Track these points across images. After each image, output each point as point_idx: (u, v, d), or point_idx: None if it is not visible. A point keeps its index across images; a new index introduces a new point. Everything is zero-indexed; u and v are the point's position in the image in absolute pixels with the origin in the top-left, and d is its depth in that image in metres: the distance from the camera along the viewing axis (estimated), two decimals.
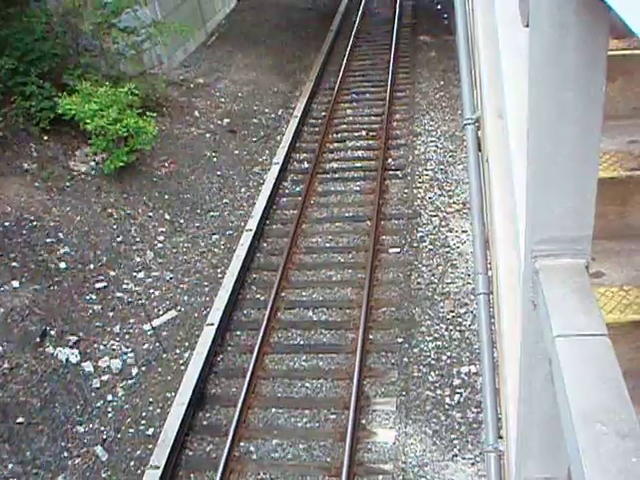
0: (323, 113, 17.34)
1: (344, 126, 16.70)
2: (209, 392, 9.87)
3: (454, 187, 13.69)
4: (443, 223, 12.72)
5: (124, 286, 11.76)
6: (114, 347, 10.60)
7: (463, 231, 12.31)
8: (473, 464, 8.42)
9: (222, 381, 10.03)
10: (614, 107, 2.95)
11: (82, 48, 15.29)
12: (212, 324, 10.61)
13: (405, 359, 9.96)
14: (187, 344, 10.67)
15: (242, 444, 9.00)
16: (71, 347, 10.30)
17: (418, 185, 13.97)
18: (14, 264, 11.06)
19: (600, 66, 1.23)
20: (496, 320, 3.39)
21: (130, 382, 10.11)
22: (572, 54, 1.21)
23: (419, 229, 12.66)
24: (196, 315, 11.26)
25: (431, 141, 15.51)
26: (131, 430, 9.39)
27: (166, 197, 14.09)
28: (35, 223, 11.96)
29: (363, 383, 9.60)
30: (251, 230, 12.79)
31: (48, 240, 11.85)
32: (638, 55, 2.86)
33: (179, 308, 11.46)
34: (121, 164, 13.41)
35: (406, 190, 13.87)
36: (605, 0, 1.00)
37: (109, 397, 9.83)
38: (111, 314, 11.17)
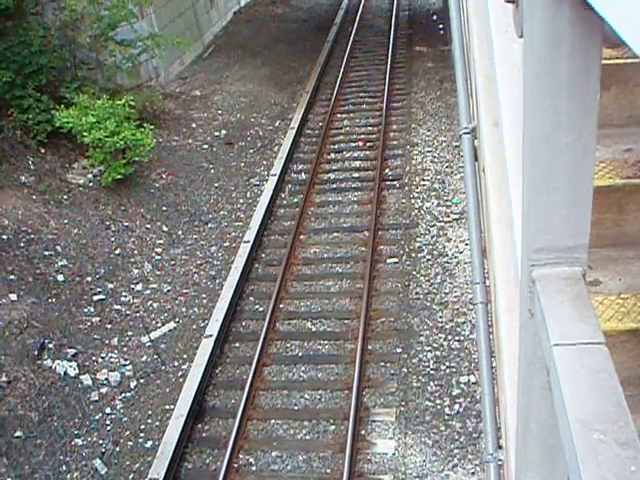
0: (320, 124, 17.38)
1: (341, 137, 16.75)
2: (208, 404, 9.84)
3: (451, 197, 13.71)
4: (441, 233, 12.72)
5: (122, 298, 11.75)
6: (112, 360, 10.57)
7: (461, 240, 12.31)
8: (473, 474, 8.39)
9: (221, 393, 10.00)
10: (609, 116, 2.96)
11: (79, 61, 15.36)
12: (211, 335, 10.59)
13: (404, 369, 9.94)
14: (186, 356, 10.65)
15: (241, 456, 8.97)
16: (69, 360, 10.28)
17: (415, 195, 13.99)
18: (12, 277, 11.05)
19: (594, 75, 1.24)
20: (494, 329, 3.39)
21: (129, 395, 10.08)
22: (566, 63, 1.22)
23: (417, 239, 12.67)
24: (194, 327, 11.24)
25: (428, 151, 15.54)
26: (130, 443, 9.35)
27: (164, 209, 14.10)
28: (33, 236, 11.96)
29: (362, 394, 9.58)
30: (249, 241, 12.79)
31: (46, 253, 11.85)
32: (632, 64, 2.87)
33: (177, 320, 11.44)
34: (119, 176, 13.44)
35: (403, 200, 13.89)
36: (597, 11, 1.00)
37: (107, 410, 9.79)
38: (109, 327, 11.15)
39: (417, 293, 11.36)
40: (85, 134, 12.94)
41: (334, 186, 14.77)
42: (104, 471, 8.94)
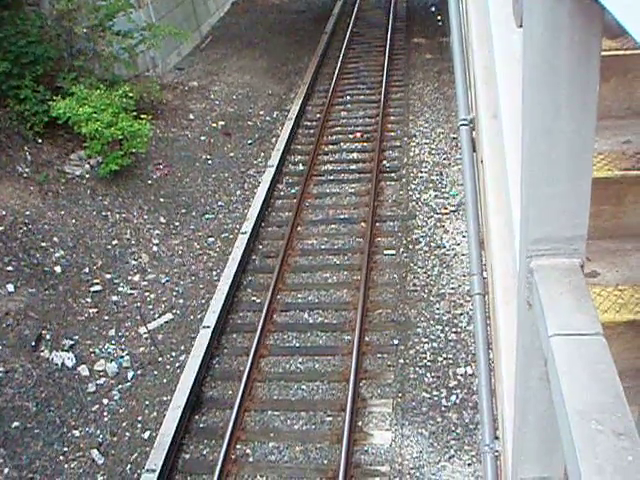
0: (318, 115, 17.35)
1: (339, 128, 16.71)
2: (205, 395, 9.85)
3: (449, 188, 13.71)
4: (438, 224, 12.73)
5: (119, 289, 11.75)
6: (110, 351, 10.58)
7: (458, 232, 12.32)
8: (470, 465, 8.42)
9: (218, 384, 10.01)
10: (608, 107, 2.96)
11: (76, 51, 15.29)
12: (208, 327, 10.60)
13: (401, 361, 9.97)
14: (183, 347, 10.66)
15: (239, 447, 8.99)
16: (67, 351, 10.28)
17: (413, 187, 13.98)
18: (9, 268, 11.04)
19: (593, 66, 1.23)
20: (492, 321, 3.40)
21: (126, 385, 10.09)
22: (565, 54, 1.21)
23: (414, 230, 12.67)
24: (192, 318, 11.25)
25: (426, 143, 15.52)
26: (127, 434, 9.37)
27: (161, 200, 14.08)
28: (30, 227, 11.94)
29: (359, 385, 9.60)
30: (246, 232, 12.78)
31: (43, 244, 11.83)
32: (632, 55, 2.87)
33: (175, 311, 11.44)
34: (116, 167, 13.40)
35: (401, 192, 13.88)
36: (599, 1, 1.00)
37: (105, 401, 9.81)
38: (107, 317, 11.16)
39: (414, 285, 11.38)
40: (82, 125, 12.90)
41: (332, 177, 14.75)
42: (101, 461, 8.96)
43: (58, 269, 11.56)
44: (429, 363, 9.90)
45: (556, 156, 1.33)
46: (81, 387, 9.89)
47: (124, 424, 9.50)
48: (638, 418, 2.26)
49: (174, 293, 11.84)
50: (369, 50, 21.09)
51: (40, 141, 13.78)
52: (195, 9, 21.79)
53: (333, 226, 13.15)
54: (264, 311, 10.84)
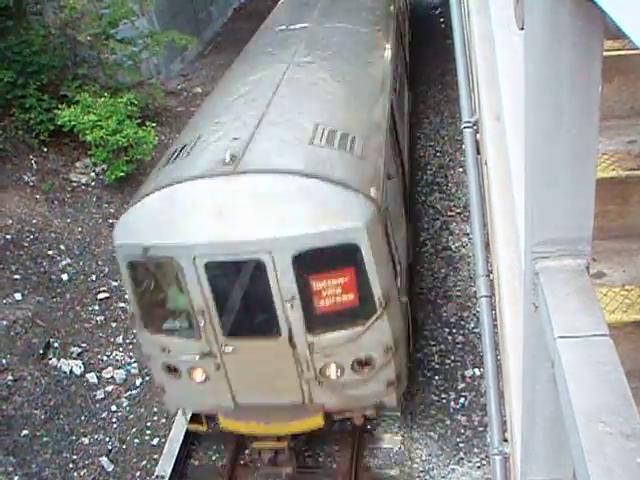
0: None
1: None
2: None
3: (454, 190, 13.68)
4: (444, 227, 12.70)
5: (126, 296, 11.75)
6: (118, 358, 10.58)
7: (464, 234, 12.30)
8: (479, 467, 8.39)
9: None
10: (611, 107, 2.95)
11: (80, 59, 15.35)
12: None
13: (409, 363, 9.93)
14: None
15: (247, 452, 8.96)
16: (75, 358, 10.30)
17: (418, 189, 13.96)
18: (16, 276, 11.07)
19: (595, 67, 1.23)
20: (499, 322, 3.39)
21: (134, 392, 10.09)
22: (567, 56, 1.21)
23: (420, 233, 12.65)
24: None
25: (430, 145, 15.50)
26: (136, 440, 9.37)
27: None
28: (37, 235, 11.97)
29: None
30: None
31: (50, 252, 11.86)
32: (634, 55, 2.86)
33: None
34: (121, 174, 13.43)
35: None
36: (598, 3, 1.00)
37: (113, 408, 9.81)
38: (114, 325, 11.16)
39: (421, 287, 11.35)
40: (87, 132, 12.93)
41: None
42: (110, 468, 8.96)
43: (65, 277, 11.58)
44: (437, 366, 9.87)
45: (559, 157, 1.33)
46: (89, 394, 9.90)
47: (133, 431, 9.50)
48: None
49: None
50: None
51: (46, 149, 13.83)
52: (197, 15, 21.85)
53: None
54: None
